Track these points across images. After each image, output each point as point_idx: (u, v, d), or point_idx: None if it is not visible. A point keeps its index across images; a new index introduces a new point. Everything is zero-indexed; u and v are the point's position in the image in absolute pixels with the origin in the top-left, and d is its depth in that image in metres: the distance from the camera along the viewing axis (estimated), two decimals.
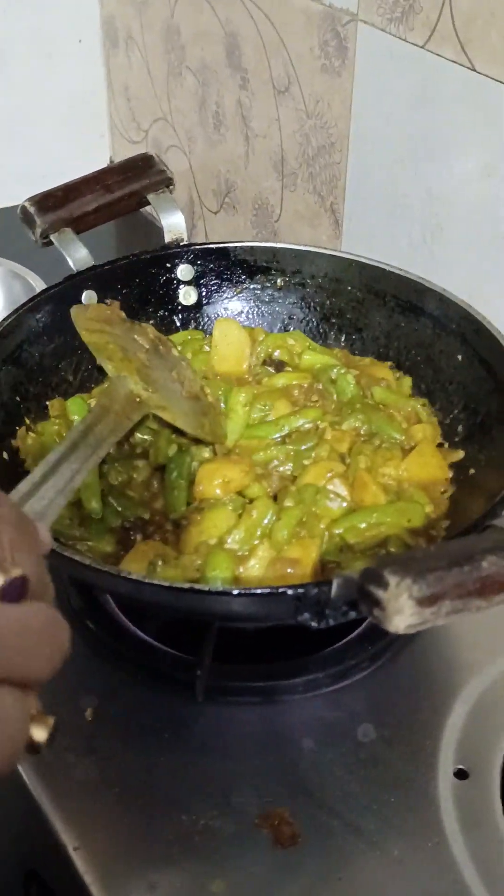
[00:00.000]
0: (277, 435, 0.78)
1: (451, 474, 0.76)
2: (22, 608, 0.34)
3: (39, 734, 0.35)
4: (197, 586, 0.58)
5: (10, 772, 0.34)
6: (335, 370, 0.83)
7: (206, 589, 0.58)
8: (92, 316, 0.81)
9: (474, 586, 0.51)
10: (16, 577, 0.34)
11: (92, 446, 0.62)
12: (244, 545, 0.68)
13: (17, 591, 0.34)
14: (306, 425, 0.78)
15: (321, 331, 0.91)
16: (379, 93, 0.95)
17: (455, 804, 0.64)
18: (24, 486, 0.52)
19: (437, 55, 0.86)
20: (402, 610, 0.50)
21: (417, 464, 0.73)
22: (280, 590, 0.57)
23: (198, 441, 0.77)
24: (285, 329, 0.90)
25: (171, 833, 0.62)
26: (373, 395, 0.82)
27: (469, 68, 0.83)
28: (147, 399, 0.73)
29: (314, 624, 0.58)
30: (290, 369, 0.86)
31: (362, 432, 0.77)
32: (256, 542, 0.68)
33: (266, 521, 0.69)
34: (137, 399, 0.73)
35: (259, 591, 0.58)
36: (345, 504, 0.71)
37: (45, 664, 0.34)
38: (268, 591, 0.58)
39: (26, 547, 0.35)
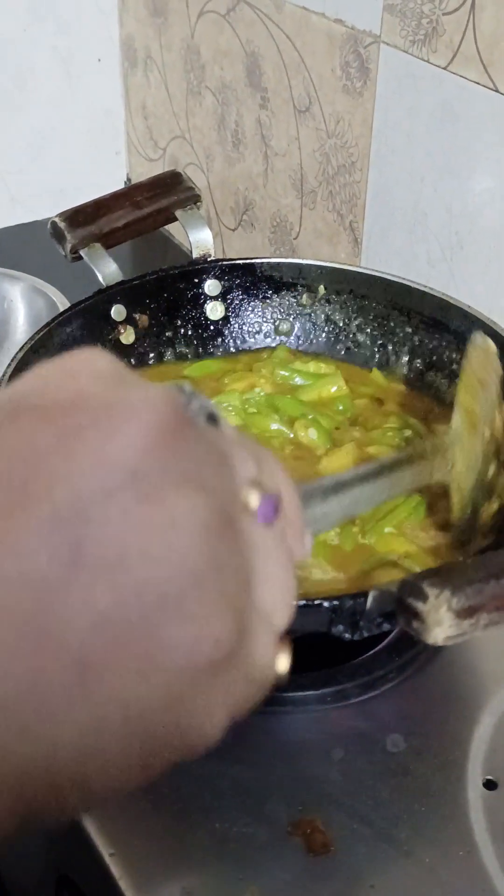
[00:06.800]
0: None
1: None
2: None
3: (282, 664, 0.32)
4: None
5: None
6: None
7: None
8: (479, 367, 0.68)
9: None
10: (271, 495, 0.31)
11: (389, 486, 0.57)
12: None
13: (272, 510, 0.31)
14: None
15: (347, 347, 0.92)
16: (400, 113, 0.97)
17: (485, 814, 0.65)
18: (311, 487, 0.47)
19: (460, 76, 0.88)
20: (441, 622, 0.51)
21: None
22: (316, 602, 0.58)
23: None
24: (311, 344, 0.91)
25: (206, 840, 0.63)
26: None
27: (492, 90, 0.85)
28: (456, 477, 0.67)
29: (347, 636, 0.59)
30: None
31: None
32: None
33: None
34: (448, 467, 0.66)
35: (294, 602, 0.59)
36: None
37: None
38: (303, 602, 0.59)
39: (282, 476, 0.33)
